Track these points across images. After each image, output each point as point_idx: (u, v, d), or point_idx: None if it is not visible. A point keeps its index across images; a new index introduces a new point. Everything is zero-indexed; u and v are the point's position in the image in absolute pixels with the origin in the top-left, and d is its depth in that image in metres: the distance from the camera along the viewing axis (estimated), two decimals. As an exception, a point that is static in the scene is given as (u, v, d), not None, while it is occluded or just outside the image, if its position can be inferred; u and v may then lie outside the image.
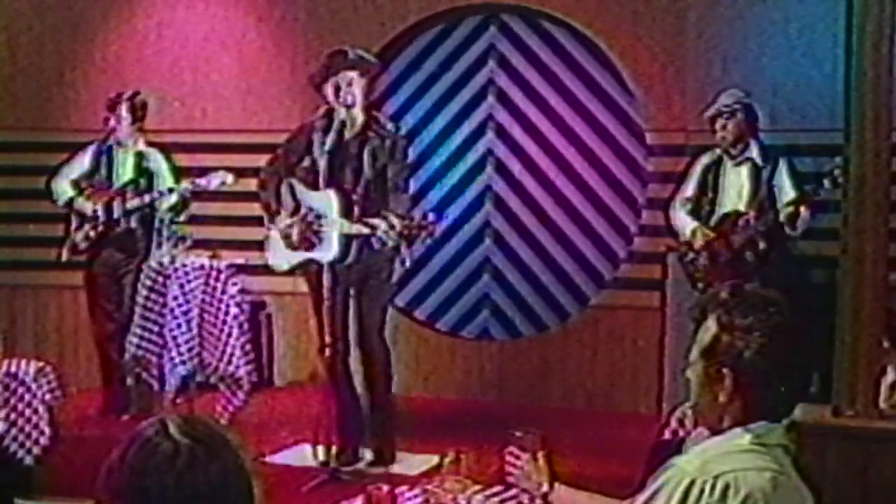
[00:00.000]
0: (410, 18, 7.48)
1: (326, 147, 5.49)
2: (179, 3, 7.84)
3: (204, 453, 1.81)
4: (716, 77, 6.88)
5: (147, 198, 6.61)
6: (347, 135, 5.56)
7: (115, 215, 6.62)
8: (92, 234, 6.65)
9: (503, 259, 7.63)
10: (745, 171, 6.16)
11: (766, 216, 6.03)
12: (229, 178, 6.47)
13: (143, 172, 6.70)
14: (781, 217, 5.97)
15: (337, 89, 5.55)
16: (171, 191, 6.61)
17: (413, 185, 7.17)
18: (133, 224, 6.65)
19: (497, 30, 7.57)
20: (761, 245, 6.04)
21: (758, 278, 5.78)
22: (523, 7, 7.37)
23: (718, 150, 6.24)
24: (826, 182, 5.67)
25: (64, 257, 6.73)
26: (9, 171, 7.78)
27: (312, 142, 5.61)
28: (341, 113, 5.52)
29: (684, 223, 6.27)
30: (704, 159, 6.30)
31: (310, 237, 5.52)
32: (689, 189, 6.31)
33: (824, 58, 6.50)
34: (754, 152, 6.17)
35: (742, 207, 6.13)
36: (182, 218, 6.67)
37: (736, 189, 6.17)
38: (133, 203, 6.61)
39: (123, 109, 6.67)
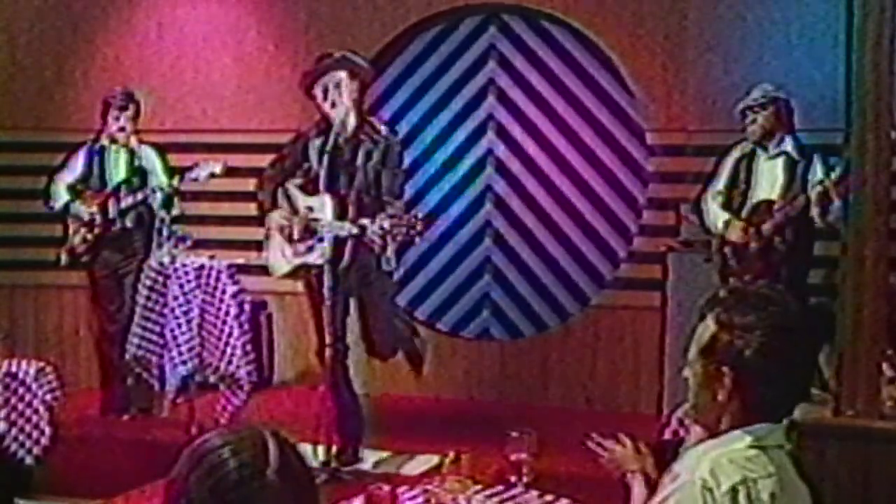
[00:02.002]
0: (410, 18, 7.48)
1: (323, 153, 5.50)
2: (179, 3, 7.84)
3: (292, 495, 1.70)
4: (716, 77, 6.88)
5: (140, 196, 6.60)
6: (341, 139, 5.57)
7: (111, 216, 6.62)
8: (89, 236, 6.64)
9: (503, 259, 7.63)
10: (780, 163, 6.07)
11: (797, 202, 5.95)
12: (218, 167, 6.45)
13: (137, 171, 6.70)
14: (812, 198, 5.83)
15: (325, 90, 5.56)
16: (161, 188, 6.60)
17: (413, 185, 7.20)
18: (129, 224, 6.65)
19: (497, 30, 7.57)
20: (789, 233, 5.97)
21: (785, 273, 5.76)
22: (523, 7, 7.37)
23: (751, 144, 6.18)
24: None
25: (63, 262, 6.72)
26: (9, 171, 7.79)
27: (308, 148, 5.63)
28: (336, 118, 5.53)
29: (717, 215, 6.21)
30: (736, 152, 6.19)
31: (308, 235, 5.53)
32: (721, 182, 6.22)
33: (824, 58, 6.49)
34: (789, 146, 6.07)
35: (774, 197, 6.07)
36: (175, 212, 6.66)
37: (769, 181, 6.05)
38: (127, 202, 6.61)
39: (117, 107, 6.66)
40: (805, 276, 6.08)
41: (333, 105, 5.53)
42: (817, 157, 6.00)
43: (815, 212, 5.86)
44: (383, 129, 5.77)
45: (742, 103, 6.13)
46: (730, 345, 2.31)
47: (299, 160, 5.69)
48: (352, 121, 5.60)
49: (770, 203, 6.03)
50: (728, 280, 6.01)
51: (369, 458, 5.71)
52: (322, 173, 5.51)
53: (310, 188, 5.61)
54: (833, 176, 5.71)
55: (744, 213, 6.08)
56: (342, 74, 5.58)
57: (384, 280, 5.71)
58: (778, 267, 5.91)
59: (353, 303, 5.66)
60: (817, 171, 5.96)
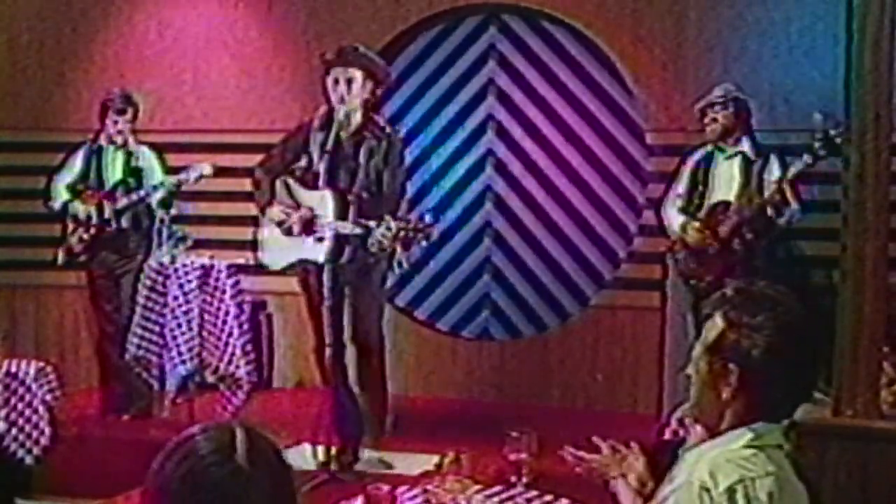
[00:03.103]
0: (411, 18, 7.48)
1: (324, 147, 5.49)
2: (179, 3, 7.84)
3: (262, 480, 1.74)
4: (716, 77, 6.86)
5: (134, 196, 6.61)
6: (344, 135, 5.56)
7: (106, 216, 6.63)
8: (85, 236, 6.65)
9: (503, 259, 7.63)
10: (736, 163, 6.10)
11: (752, 203, 5.95)
12: (207, 169, 6.48)
13: (133, 172, 6.70)
14: (765, 195, 5.88)
15: (335, 83, 5.54)
16: (155, 188, 6.60)
17: (413, 185, 7.20)
18: (125, 224, 6.65)
19: (497, 30, 7.57)
20: (748, 234, 5.96)
21: (747, 275, 5.74)
22: (523, 7, 7.37)
23: (710, 146, 6.20)
24: (819, 148, 5.56)
25: (60, 261, 6.72)
26: (9, 171, 7.79)
27: (309, 141, 5.61)
28: (339, 113, 5.51)
29: (674, 219, 6.23)
30: (696, 156, 6.25)
31: (308, 228, 5.52)
32: (681, 186, 6.26)
33: (824, 58, 6.49)
34: (746, 146, 6.10)
35: (731, 198, 6.08)
36: (173, 212, 6.67)
37: (726, 181, 6.09)
38: (122, 203, 6.61)
39: (115, 110, 6.66)
40: (777, 277, 6.05)
41: (342, 100, 5.52)
42: (773, 156, 6.01)
43: (771, 212, 5.87)
44: (387, 126, 5.76)
45: (702, 101, 6.14)
46: (737, 343, 2.31)
47: (299, 153, 5.67)
48: (357, 118, 5.59)
49: (727, 204, 6.03)
50: (689, 282, 6.04)
51: (369, 458, 5.70)
52: (322, 169, 5.50)
53: (308, 180, 5.60)
54: (789, 175, 5.73)
55: (701, 215, 6.10)
56: (357, 73, 5.55)
57: (379, 280, 5.70)
58: (737, 268, 5.87)
59: (346, 292, 5.62)
60: (773, 170, 5.97)
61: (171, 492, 1.75)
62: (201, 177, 6.49)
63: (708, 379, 2.35)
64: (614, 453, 2.98)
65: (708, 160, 6.17)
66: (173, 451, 1.78)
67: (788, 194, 5.82)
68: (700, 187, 6.16)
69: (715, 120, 6.09)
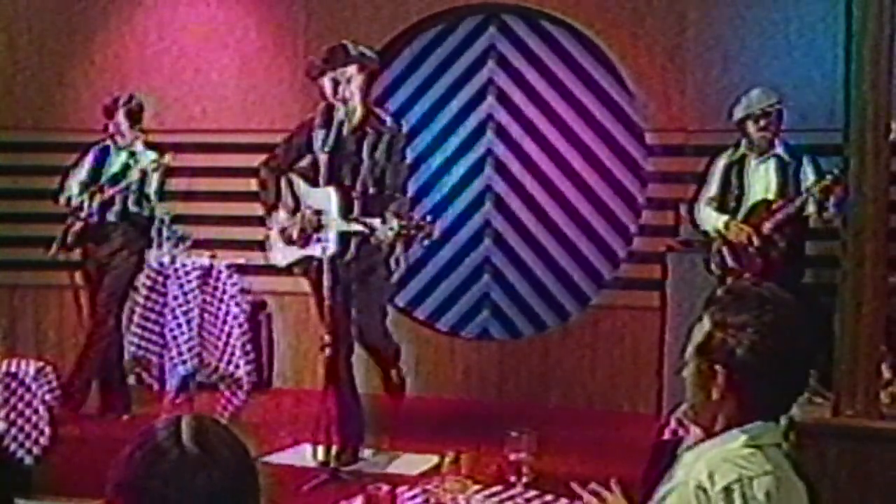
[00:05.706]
0: (410, 18, 7.48)
1: (326, 144, 5.50)
2: (179, 3, 7.84)
3: (212, 463, 1.79)
4: (716, 77, 6.88)
5: (112, 190, 6.58)
6: (346, 131, 5.57)
7: (93, 208, 6.62)
8: (75, 227, 6.64)
9: (503, 259, 7.63)
10: (771, 166, 6.13)
11: (794, 200, 6.00)
12: (166, 157, 6.51)
13: (129, 169, 6.70)
14: (811, 200, 5.93)
15: (335, 84, 5.56)
16: (127, 173, 6.59)
17: (413, 185, 7.20)
18: (111, 218, 6.63)
19: (497, 30, 7.57)
20: (788, 229, 6.04)
21: (786, 273, 5.78)
22: (523, 7, 7.37)
23: (742, 149, 6.18)
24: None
25: (51, 252, 6.68)
26: (9, 171, 7.79)
27: (312, 139, 5.61)
28: (340, 110, 5.53)
29: (713, 219, 6.22)
30: (724, 158, 6.23)
31: (308, 236, 5.53)
32: (713, 188, 6.25)
33: (824, 58, 6.50)
34: (780, 149, 6.13)
35: (770, 197, 6.11)
36: (170, 211, 6.65)
37: (763, 184, 6.13)
38: (108, 193, 6.59)
39: (120, 114, 6.67)
40: (801, 275, 6.12)
41: (343, 100, 5.53)
42: (806, 158, 6.06)
43: (811, 209, 5.91)
44: (388, 120, 5.77)
45: (748, 110, 6.09)
46: (722, 343, 2.31)
47: (303, 152, 5.69)
48: (358, 113, 5.60)
49: (768, 203, 6.07)
50: (727, 280, 6.04)
51: (369, 458, 5.71)
52: (325, 166, 5.50)
53: (312, 177, 5.61)
54: (834, 173, 5.75)
55: (740, 215, 6.12)
56: (352, 70, 5.58)
57: (383, 277, 5.71)
58: (777, 264, 5.95)
59: (352, 290, 5.63)
60: (808, 172, 6.04)
61: (128, 476, 1.81)
62: (162, 165, 6.51)
63: (698, 380, 2.35)
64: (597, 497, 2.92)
65: (740, 163, 6.17)
66: (134, 440, 1.86)
67: (834, 191, 5.81)
68: (734, 190, 6.17)
69: (766, 127, 6.09)
